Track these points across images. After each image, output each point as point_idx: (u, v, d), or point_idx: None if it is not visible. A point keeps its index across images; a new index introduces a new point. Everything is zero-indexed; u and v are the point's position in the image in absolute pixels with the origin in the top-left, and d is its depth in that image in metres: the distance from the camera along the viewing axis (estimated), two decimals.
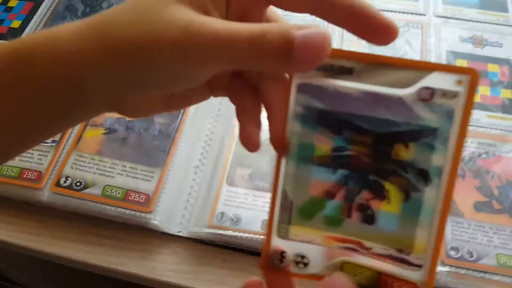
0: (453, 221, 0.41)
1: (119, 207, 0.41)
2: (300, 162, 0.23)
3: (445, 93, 0.21)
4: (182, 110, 0.47)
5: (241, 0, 0.25)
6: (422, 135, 0.22)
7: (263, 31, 0.21)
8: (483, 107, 0.48)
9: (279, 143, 0.24)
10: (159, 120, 0.46)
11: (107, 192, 0.42)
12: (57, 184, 0.42)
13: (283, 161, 0.24)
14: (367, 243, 0.23)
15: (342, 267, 0.23)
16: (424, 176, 0.22)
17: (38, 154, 0.45)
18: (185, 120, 0.46)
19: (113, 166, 0.43)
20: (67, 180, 0.42)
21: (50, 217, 0.43)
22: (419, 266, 0.22)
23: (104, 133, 0.46)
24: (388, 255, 0.23)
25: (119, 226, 0.42)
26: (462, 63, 0.51)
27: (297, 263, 0.24)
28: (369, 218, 0.23)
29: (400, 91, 0.21)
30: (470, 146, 0.45)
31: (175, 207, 0.43)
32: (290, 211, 0.24)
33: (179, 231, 0.42)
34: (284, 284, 0.25)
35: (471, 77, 0.21)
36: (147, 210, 0.41)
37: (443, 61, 0.51)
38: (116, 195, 0.41)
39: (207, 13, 0.24)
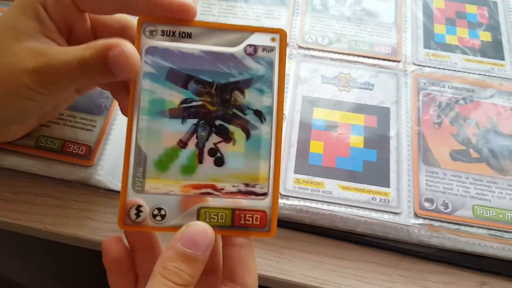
0: (428, 171, 0.38)
1: (56, 160, 0.36)
2: (152, 116, 0.26)
3: (265, 48, 0.27)
4: None
5: (60, 15, 0.29)
6: (253, 82, 0.27)
7: (83, 57, 0.26)
8: (461, 50, 0.44)
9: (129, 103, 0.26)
10: None
11: (41, 144, 0.36)
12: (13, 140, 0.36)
13: (135, 117, 0.26)
14: (220, 184, 0.26)
15: (199, 213, 0.26)
16: (259, 115, 0.26)
17: None
18: None
19: None
20: None
21: None
22: (265, 194, 0.26)
23: None
24: (238, 191, 0.26)
25: (57, 182, 0.37)
26: (439, 3, 0.47)
27: (154, 216, 0.25)
28: (219, 160, 0.26)
29: (231, 49, 0.27)
30: (447, 92, 0.42)
31: (121, 160, 0.37)
32: (144, 165, 0.26)
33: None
34: (145, 238, 0.27)
35: (281, 35, 0.27)
36: (88, 164, 0.36)
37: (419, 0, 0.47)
38: (52, 146, 0.36)
39: (47, 35, 0.29)
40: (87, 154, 0.36)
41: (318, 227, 0.36)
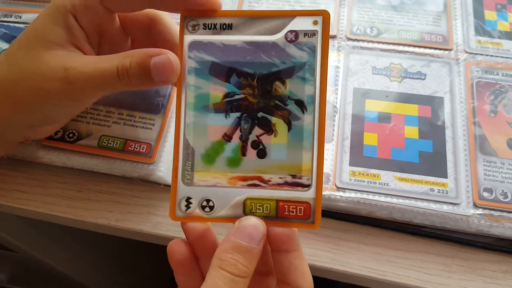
0: (485, 161, 0.37)
1: (118, 158, 0.37)
2: (198, 111, 0.26)
3: (306, 33, 0.26)
4: None
5: (90, 21, 0.30)
6: (296, 70, 0.26)
7: (124, 65, 0.27)
8: None
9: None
10: None
11: (103, 143, 0.37)
12: (48, 136, 0.38)
13: (182, 112, 0.27)
14: (266, 176, 0.26)
15: (245, 203, 0.26)
16: (300, 105, 0.26)
17: None
18: None
19: (109, 115, 0.39)
20: (59, 131, 0.38)
21: (41, 172, 0.39)
22: (309, 186, 0.26)
23: None
24: (285, 182, 0.26)
25: (119, 179, 0.38)
26: None
27: (203, 207, 0.26)
28: (261, 152, 0.26)
29: (272, 37, 0.26)
30: (501, 80, 0.41)
31: None
32: (192, 158, 0.26)
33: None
34: (201, 234, 0.27)
35: (323, 17, 0.25)
36: (150, 161, 0.37)
37: None
38: (114, 145, 0.37)
39: (75, 44, 0.30)
40: (148, 152, 0.37)
41: (375, 218, 0.37)
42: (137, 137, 0.37)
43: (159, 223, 0.37)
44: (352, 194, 0.36)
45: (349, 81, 0.41)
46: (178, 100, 0.27)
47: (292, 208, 0.26)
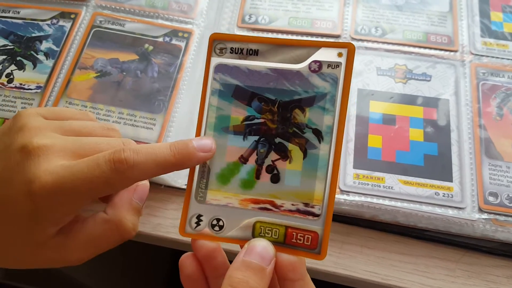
0: (491, 165, 0.37)
1: None
2: (218, 132, 0.27)
3: (330, 64, 0.26)
4: (183, 46, 0.41)
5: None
6: (316, 100, 0.26)
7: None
8: None
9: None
10: (157, 59, 0.41)
11: None
12: None
13: (203, 131, 0.27)
14: (279, 201, 0.26)
15: (255, 226, 0.26)
16: (317, 134, 0.26)
17: (22, 102, 0.39)
18: (187, 58, 0.41)
19: (109, 114, 0.38)
20: None
21: None
22: (319, 215, 0.26)
23: (96, 77, 0.40)
24: (297, 210, 0.26)
25: None
26: None
27: (213, 226, 0.26)
28: (275, 177, 0.26)
29: (296, 66, 0.26)
30: (507, 82, 0.41)
31: None
32: (207, 177, 0.27)
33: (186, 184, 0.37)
34: (209, 250, 0.27)
35: (349, 49, 0.26)
36: None
37: None
38: None
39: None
40: None
41: (379, 222, 0.36)
42: (138, 137, 0.37)
43: (159, 224, 0.36)
44: (356, 197, 0.36)
45: (353, 82, 0.40)
46: (199, 119, 0.27)
47: (300, 236, 0.26)
